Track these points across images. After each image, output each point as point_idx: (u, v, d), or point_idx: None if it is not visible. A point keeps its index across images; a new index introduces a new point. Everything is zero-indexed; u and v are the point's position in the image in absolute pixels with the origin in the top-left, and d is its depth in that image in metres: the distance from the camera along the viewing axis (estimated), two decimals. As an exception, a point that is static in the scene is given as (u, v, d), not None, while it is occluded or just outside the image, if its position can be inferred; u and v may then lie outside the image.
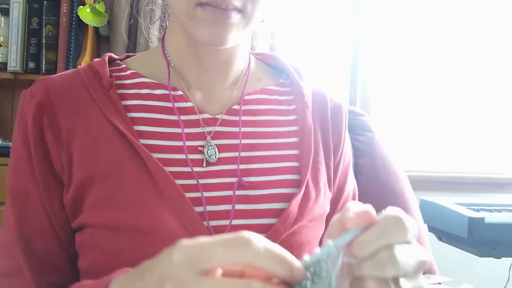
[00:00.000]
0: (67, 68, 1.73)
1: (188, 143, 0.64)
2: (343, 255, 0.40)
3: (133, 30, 1.84)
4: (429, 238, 1.19)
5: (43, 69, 1.74)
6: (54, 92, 0.65)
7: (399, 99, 2.21)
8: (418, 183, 1.87)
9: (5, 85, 1.88)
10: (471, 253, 1.16)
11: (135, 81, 0.68)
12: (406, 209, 1.18)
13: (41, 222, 0.63)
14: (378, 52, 2.15)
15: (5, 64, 1.74)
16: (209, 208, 0.62)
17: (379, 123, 1.29)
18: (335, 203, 0.74)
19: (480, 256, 1.14)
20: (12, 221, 0.64)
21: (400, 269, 0.40)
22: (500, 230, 1.10)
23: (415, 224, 0.43)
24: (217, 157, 0.65)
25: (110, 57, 0.71)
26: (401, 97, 2.21)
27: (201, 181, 0.63)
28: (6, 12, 1.76)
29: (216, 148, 0.65)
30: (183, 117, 0.66)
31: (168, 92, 0.67)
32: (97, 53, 1.91)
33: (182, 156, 0.63)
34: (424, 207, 1.26)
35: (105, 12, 1.78)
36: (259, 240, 0.38)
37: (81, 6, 1.74)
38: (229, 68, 0.69)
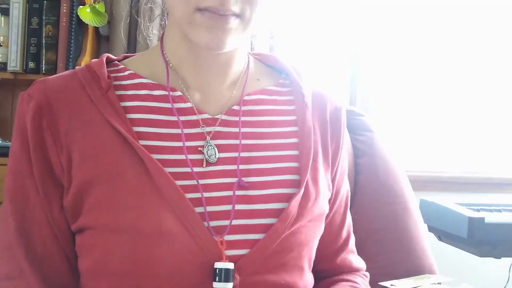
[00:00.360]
0: (67, 68, 1.72)
1: (188, 143, 0.64)
2: None
3: (133, 30, 1.83)
4: (429, 238, 1.19)
5: (43, 69, 1.74)
6: (52, 94, 0.64)
7: (399, 99, 2.21)
8: (418, 183, 1.87)
9: (5, 85, 1.88)
10: (471, 253, 1.16)
11: (134, 82, 0.67)
12: (406, 209, 1.18)
13: (41, 224, 0.63)
14: (378, 52, 2.15)
15: (5, 64, 1.74)
16: (209, 208, 0.62)
17: (379, 123, 1.29)
18: (332, 204, 0.75)
19: (480, 256, 1.14)
20: (12, 224, 0.63)
21: None
22: (500, 230, 1.10)
23: None
24: (217, 157, 0.65)
25: (108, 58, 0.70)
26: (401, 97, 2.21)
27: (201, 181, 0.63)
28: (6, 12, 1.75)
29: (216, 148, 0.65)
30: (182, 118, 0.65)
31: (167, 93, 0.66)
32: (97, 53, 1.91)
33: (182, 157, 0.63)
34: (424, 207, 1.26)
35: (105, 12, 1.78)
36: None
37: (81, 6, 1.74)
38: (228, 68, 0.69)
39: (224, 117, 0.68)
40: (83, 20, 1.74)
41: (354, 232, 0.84)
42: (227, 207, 0.62)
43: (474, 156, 2.19)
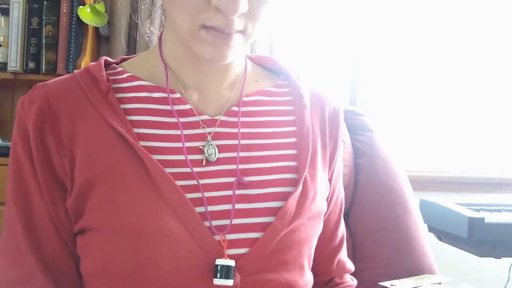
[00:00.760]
0: (67, 68, 1.72)
1: (188, 144, 0.65)
2: None
3: (133, 30, 1.83)
4: (429, 238, 1.19)
5: (43, 69, 1.74)
6: (53, 98, 0.64)
7: (399, 99, 2.21)
8: (418, 183, 1.87)
9: (5, 85, 1.88)
10: (471, 253, 1.16)
11: (133, 84, 0.68)
12: (406, 209, 1.18)
13: (46, 227, 0.63)
14: (378, 52, 2.15)
15: (5, 64, 1.74)
16: (210, 208, 0.62)
17: (379, 123, 1.29)
18: (328, 204, 0.76)
19: (480, 256, 1.14)
20: (19, 227, 0.63)
21: None
22: (500, 230, 1.10)
23: None
24: (216, 156, 0.65)
25: (105, 61, 0.71)
26: (401, 97, 2.21)
27: (201, 181, 0.63)
28: (6, 12, 1.76)
29: (216, 148, 0.66)
30: (182, 119, 0.66)
31: (166, 95, 0.67)
32: (97, 53, 1.91)
33: (182, 157, 0.64)
34: (424, 207, 1.26)
35: (105, 12, 1.78)
36: None
37: (81, 6, 1.74)
38: (227, 70, 0.70)
39: (223, 118, 0.68)
40: (83, 20, 1.74)
41: (354, 232, 0.84)
42: (227, 207, 0.63)
43: (474, 156, 2.20)
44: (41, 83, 0.67)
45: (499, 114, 2.22)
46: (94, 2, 1.76)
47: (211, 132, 0.67)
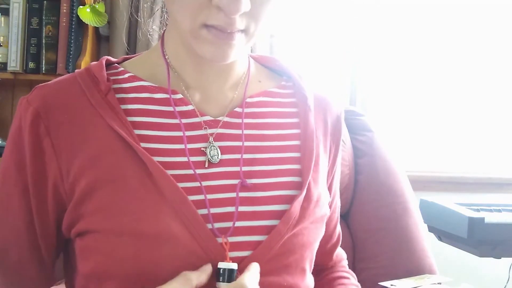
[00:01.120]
0: (67, 68, 1.72)
1: (190, 145, 0.64)
2: None
3: (133, 30, 1.83)
4: (429, 238, 1.19)
5: (43, 69, 1.74)
6: (51, 100, 0.64)
7: (399, 99, 2.21)
8: (418, 183, 1.87)
9: (5, 85, 1.88)
10: (471, 253, 1.16)
11: (134, 85, 0.67)
12: (406, 209, 1.18)
13: (18, 231, 0.64)
14: (378, 52, 2.15)
15: (5, 64, 1.73)
16: (213, 210, 0.62)
17: (379, 123, 1.29)
18: (329, 206, 0.75)
19: (480, 256, 1.14)
20: None
21: None
22: (500, 230, 1.10)
23: None
24: (219, 158, 0.65)
25: (107, 60, 0.70)
26: (401, 97, 2.21)
27: (204, 183, 0.62)
28: (6, 12, 1.75)
29: (218, 149, 0.65)
30: (184, 120, 0.65)
31: (168, 96, 0.66)
32: (97, 53, 1.91)
33: (184, 159, 0.63)
34: (424, 207, 1.26)
35: (105, 12, 1.78)
36: None
37: (81, 6, 1.74)
38: (230, 70, 0.69)
39: (226, 119, 0.67)
40: (83, 20, 1.74)
41: (354, 232, 0.85)
42: (230, 209, 0.62)
43: (474, 156, 2.20)
44: (41, 85, 0.67)
45: (499, 114, 2.22)
46: (94, 2, 1.76)
47: (213, 133, 0.66)
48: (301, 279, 0.66)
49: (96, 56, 1.87)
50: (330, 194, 0.75)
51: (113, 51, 1.82)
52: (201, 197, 0.61)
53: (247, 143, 0.67)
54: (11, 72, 1.74)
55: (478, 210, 1.17)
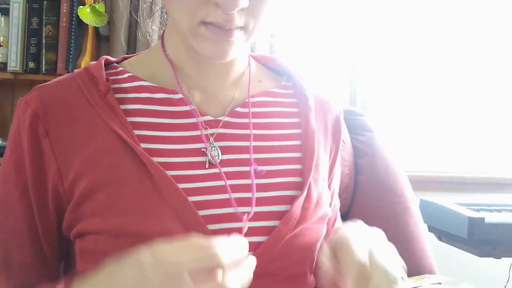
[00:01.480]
0: (67, 68, 1.72)
1: (190, 145, 0.64)
2: None
3: (133, 30, 1.83)
4: (429, 238, 1.19)
5: (43, 69, 1.74)
6: (50, 101, 0.64)
7: (399, 99, 2.21)
8: (418, 183, 1.87)
9: (5, 85, 1.88)
10: (471, 253, 1.16)
11: (134, 85, 0.67)
12: (406, 209, 1.18)
13: (20, 233, 0.64)
14: (378, 52, 2.15)
15: (5, 64, 1.74)
16: (213, 211, 0.61)
17: (379, 123, 1.29)
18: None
19: (480, 256, 1.14)
20: None
21: None
22: (500, 230, 1.10)
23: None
24: (220, 158, 0.64)
25: (106, 60, 0.70)
26: (401, 97, 2.21)
27: (204, 184, 0.62)
28: (6, 12, 1.76)
29: (219, 150, 0.65)
30: (184, 121, 0.65)
31: (168, 96, 0.66)
32: (97, 53, 1.91)
33: (184, 159, 0.63)
34: (424, 207, 1.27)
35: (105, 12, 1.78)
36: (225, 253, 0.46)
37: (81, 6, 1.74)
38: (230, 69, 0.69)
39: (227, 118, 0.67)
40: (83, 20, 1.74)
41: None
42: (231, 209, 0.62)
43: (474, 156, 2.19)
44: (39, 85, 0.66)
45: (499, 114, 2.22)
46: (94, 2, 1.76)
47: (214, 133, 0.66)
48: (302, 281, 0.66)
49: (96, 56, 1.87)
50: (329, 187, 0.75)
51: (113, 51, 1.82)
52: (201, 198, 0.61)
53: (248, 143, 0.66)
54: (11, 72, 1.74)
55: (478, 210, 1.17)
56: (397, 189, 1.18)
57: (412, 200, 1.20)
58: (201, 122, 0.66)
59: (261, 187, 0.64)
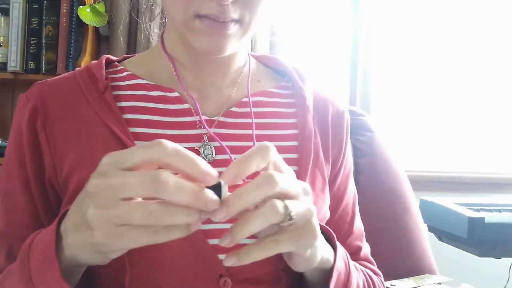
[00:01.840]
0: (67, 68, 1.73)
1: (185, 144, 0.63)
2: None
3: (133, 30, 1.84)
4: (429, 238, 1.19)
5: (43, 69, 1.74)
6: (49, 96, 0.65)
7: (399, 99, 2.21)
8: (418, 183, 1.87)
9: (5, 85, 1.88)
10: (471, 253, 1.16)
11: (131, 83, 0.67)
12: (406, 209, 1.18)
13: (24, 227, 0.64)
14: (378, 52, 2.15)
15: (5, 64, 1.74)
16: None
17: (379, 123, 1.29)
18: (334, 212, 0.73)
19: (480, 256, 1.14)
20: (1, 224, 0.65)
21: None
22: (500, 230, 1.10)
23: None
24: (213, 157, 0.64)
25: (108, 59, 0.70)
26: (401, 97, 2.21)
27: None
28: (6, 12, 1.76)
29: (213, 149, 0.65)
30: (179, 119, 0.65)
31: (164, 94, 0.66)
32: (97, 53, 1.91)
33: None
34: (424, 207, 1.26)
35: (105, 12, 1.78)
36: (171, 143, 0.43)
37: (81, 6, 1.74)
38: (228, 67, 0.69)
39: (221, 118, 0.67)
40: (83, 20, 1.74)
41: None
42: None
43: (474, 156, 2.20)
44: (40, 81, 0.68)
45: (499, 114, 2.22)
46: (94, 2, 1.76)
47: (208, 133, 0.65)
48: (297, 284, 0.65)
49: (96, 56, 1.87)
50: (334, 189, 0.73)
51: (113, 51, 1.82)
52: None
53: (243, 143, 0.66)
54: (11, 72, 1.74)
55: (478, 210, 1.17)
56: (397, 189, 1.18)
57: (412, 200, 1.20)
58: (196, 120, 0.65)
59: None
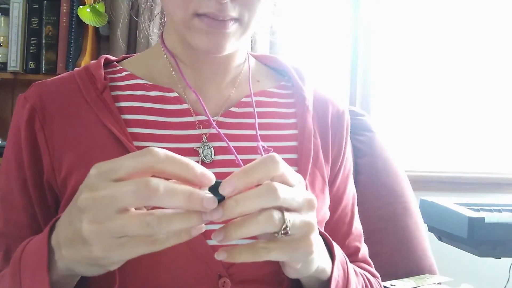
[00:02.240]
0: (67, 68, 1.72)
1: (184, 145, 0.64)
2: None
3: (133, 30, 1.83)
4: (429, 238, 1.19)
5: (43, 69, 1.74)
6: (47, 96, 0.65)
7: (399, 99, 2.21)
8: (418, 183, 1.87)
9: (5, 85, 1.88)
10: (471, 253, 1.16)
11: (130, 83, 0.67)
12: (406, 209, 1.18)
13: (22, 228, 0.64)
14: (378, 52, 2.15)
15: (5, 64, 1.74)
16: None
17: (379, 123, 1.29)
18: (333, 212, 0.72)
19: (480, 256, 1.14)
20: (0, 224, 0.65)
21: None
22: (500, 230, 1.10)
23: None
24: (212, 158, 0.64)
25: (107, 59, 0.70)
26: (401, 96, 2.21)
27: None
28: (6, 12, 1.75)
29: (212, 149, 0.64)
30: (178, 119, 0.65)
31: (163, 94, 0.66)
32: (97, 53, 1.91)
33: None
34: (424, 207, 1.26)
35: (105, 12, 1.78)
36: (162, 150, 0.42)
37: (81, 6, 1.74)
38: (227, 67, 0.69)
39: (220, 118, 0.67)
40: (83, 20, 1.74)
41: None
42: None
43: (474, 156, 2.19)
44: (39, 81, 0.67)
45: (499, 114, 2.22)
46: (94, 2, 1.76)
47: (207, 133, 0.65)
48: (295, 285, 0.64)
49: (96, 56, 1.87)
50: (333, 189, 0.72)
51: (113, 51, 1.82)
52: None
53: (242, 144, 0.66)
54: (11, 72, 1.74)
55: (478, 210, 1.17)
56: (397, 189, 1.18)
57: (412, 200, 1.20)
58: (195, 121, 0.65)
59: None
